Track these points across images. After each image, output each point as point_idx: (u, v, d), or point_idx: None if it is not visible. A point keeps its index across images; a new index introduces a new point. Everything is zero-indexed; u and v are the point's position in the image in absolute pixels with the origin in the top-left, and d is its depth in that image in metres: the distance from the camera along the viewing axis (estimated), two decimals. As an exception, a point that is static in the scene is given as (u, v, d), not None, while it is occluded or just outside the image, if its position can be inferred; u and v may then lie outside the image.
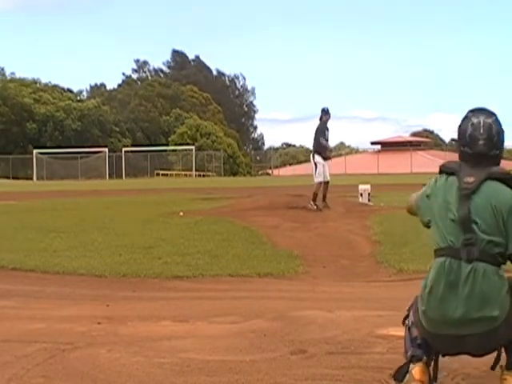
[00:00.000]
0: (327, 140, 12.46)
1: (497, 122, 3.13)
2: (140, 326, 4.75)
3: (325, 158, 12.54)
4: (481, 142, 3.07)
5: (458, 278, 2.95)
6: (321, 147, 12.53)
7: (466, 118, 3.15)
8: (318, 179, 12.47)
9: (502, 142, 3.14)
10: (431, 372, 3.07)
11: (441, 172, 3.20)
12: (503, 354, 3.04)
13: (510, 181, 3.05)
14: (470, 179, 3.04)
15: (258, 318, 4.73)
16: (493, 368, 3.07)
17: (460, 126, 3.17)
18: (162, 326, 4.73)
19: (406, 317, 3.24)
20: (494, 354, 3.04)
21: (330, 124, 12.64)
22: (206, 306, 5.43)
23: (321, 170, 12.51)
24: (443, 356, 3.12)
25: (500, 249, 2.98)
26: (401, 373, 3.09)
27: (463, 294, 2.93)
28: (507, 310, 2.93)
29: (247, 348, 4.00)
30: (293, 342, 4.06)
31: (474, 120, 3.11)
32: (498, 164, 3.15)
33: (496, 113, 3.18)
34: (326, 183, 12.46)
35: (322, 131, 12.40)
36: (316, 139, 12.50)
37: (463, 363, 3.37)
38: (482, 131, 3.07)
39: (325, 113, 12.46)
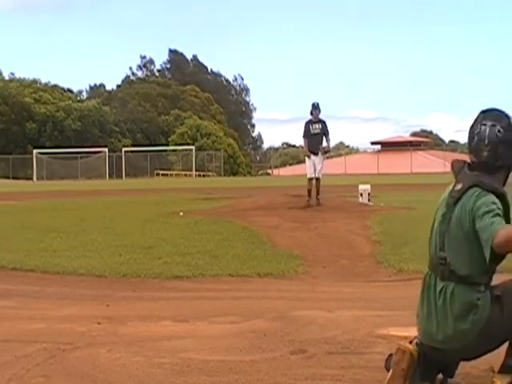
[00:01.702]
0: (316, 134, 12.57)
1: (507, 129, 2.88)
2: (140, 325, 4.75)
3: (313, 153, 12.65)
4: (485, 154, 2.88)
5: (434, 294, 2.97)
6: (304, 143, 12.83)
7: (475, 121, 2.96)
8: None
9: (510, 150, 2.88)
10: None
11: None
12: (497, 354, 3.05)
13: (495, 192, 2.85)
14: (459, 186, 2.92)
15: (258, 318, 4.73)
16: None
17: (470, 129, 2.98)
18: (162, 325, 4.73)
19: None
20: (492, 354, 3.06)
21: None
22: (206, 306, 5.43)
23: (307, 166, 12.69)
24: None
25: (469, 270, 2.87)
26: (390, 361, 3.13)
27: (437, 310, 2.95)
28: (483, 323, 2.88)
29: (247, 348, 4.00)
30: (293, 342, 4.06)
31: (481, 127, 2.90)
32: (507, 175, 2.95)
33: (510, 116, 2.94)
34: (317, 179, 12.56)
35: (305, 126, 12.70)
36: None
37: (463, 363, 3.37)
38: (486, 142, 2.87)
39: (314, 108, 12.61)
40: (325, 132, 12.62)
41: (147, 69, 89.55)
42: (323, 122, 12.62)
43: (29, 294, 6.19)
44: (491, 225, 2.72)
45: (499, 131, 2.86)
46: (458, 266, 2.88)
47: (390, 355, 3.16)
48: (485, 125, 2.90)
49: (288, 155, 76.91)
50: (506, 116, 2.93)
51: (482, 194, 2.83)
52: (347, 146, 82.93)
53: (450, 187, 3.02)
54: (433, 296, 2.97)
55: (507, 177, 2.99)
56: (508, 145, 2.87)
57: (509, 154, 2.88)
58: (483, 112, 2.96)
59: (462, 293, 2.89)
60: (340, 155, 60.38)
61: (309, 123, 12.65)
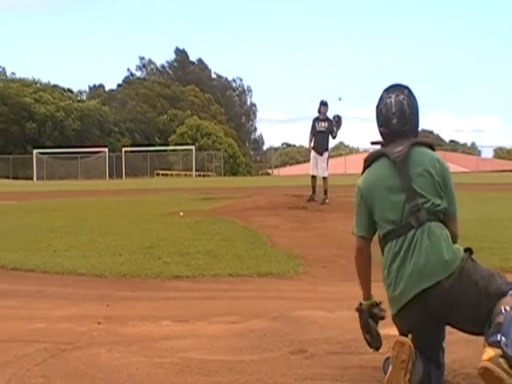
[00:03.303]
0: (322, 132, 12.56)
1: (409, 96, 3.22)
2: (140, 325, 4.75)
3: (316, 152, 12.74)
4: (394, 121, 3.19)
5: (409, 247, 3.07)
6: (309, 140, 12.92)
7: (380, 99, 3.28)
8: None
9: (415, 114, 3.24)
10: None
11: (368, 164, 3.26)
12: None
13: (432, 145, 3.22)
14: (399, 148, 3.14)
15: (258, 318, 4.73)
16: None
17: (376, 107, 3.30)
18: (162, 326, 4.73)
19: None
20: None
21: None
22: (206, 306, 5.43)
23: (310, 163, 12.87)
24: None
25: (440, 207, 3.10)
26: (387, 364, 3.13)
27: (416, 254, 3.04)
28: (460, 260, 3.02)
29: (247, 348, 4.00)
30: (293, 342, 4.06)
31: (387, 100, 3.22)
32: (416, 137, 3.25)
33: (408, 86, 3.26)
34: (323, 179, 12.62)
35: (312, 122, 12.71)
36: None
37: (463, 363, 3.37)
38: (394, 110, 3.19)
39: (322, 104, 12.67)
40: (331, 130, 12.59)
41: (146, 69, 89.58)
42: (330, 121, 12.56)
43: (29, 293, 6.19)
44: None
45: (403, 99, 3.22)
46: (432, 202, 3.08)
47: (387, 359, 3.15)
48: (390, 97, 3.23)
49: (288, 155, 76.95)
50: (406, 87, 3.27)
51: (430, 152, 3.20)
52: (347, 146, 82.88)
53: (382, 162, 3.18)
54: (409, 248, 3.06)
55: None
56: (412, 109, 3.22)
57: (413, 117, 3.23)
58: (385, 90, 3.30)
59: (439, 227, 3.07)
60: (340, 155, 60.27)
61: (315, 120, 12.64)
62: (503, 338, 2.90)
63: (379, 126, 3.28)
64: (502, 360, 2.82)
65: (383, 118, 3.23)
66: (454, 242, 3.13)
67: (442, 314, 3.05)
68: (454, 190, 3.20)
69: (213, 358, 3.81)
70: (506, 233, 8.99)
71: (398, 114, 3.18)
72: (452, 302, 3.01)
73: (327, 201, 12.49)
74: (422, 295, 3.03)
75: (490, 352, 2.90)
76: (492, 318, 2.96)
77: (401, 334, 3.18)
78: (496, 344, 2.91)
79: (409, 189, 3.09)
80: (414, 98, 3.25)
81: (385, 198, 3.14)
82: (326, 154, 12.65)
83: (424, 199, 3.08)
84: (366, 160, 3.29)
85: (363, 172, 3.30)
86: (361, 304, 3.43)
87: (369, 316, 3.38)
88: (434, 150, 3.24)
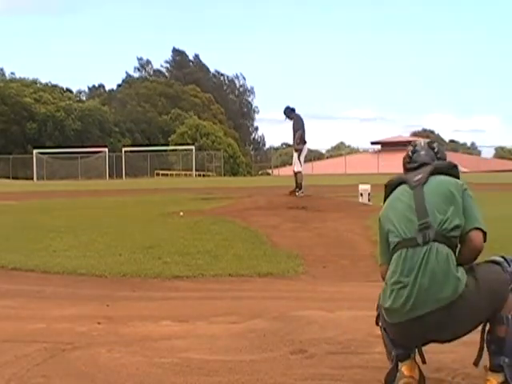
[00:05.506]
0: None
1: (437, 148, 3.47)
2: (140, 325, 4.75)
3: None
4: (422, 153, 3.41)
5: (414, 263, 3.02)
6: None
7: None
8: None
9: (442, 153, 3.44)
10: (420, 366, 3.14)
11: (388, 193, 3.39)
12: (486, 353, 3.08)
13: (454, 171, 3.28)
14: (418, 176, 3.25)
15: (258, 318, 4.73)
16: (475, 364, 3.13)
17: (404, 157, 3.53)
18: (162, 325, 4.73)
19: (378, 316, 3.32)
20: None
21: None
22: (206, 306, 5.43)
23: None
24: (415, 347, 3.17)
25: (455, 232, 3.06)
26: (391, 376, 3.11)
27: (417, 275, 2.99)
28: (462, 288, 2.96)
29: (247, 348, 4.00)
30: (293, 342, 4.06)
31: (415, 143, 3.56)
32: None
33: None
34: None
35: None
36: None
37: (464, 363, 3.37)
38: (422, 144, 3.48)
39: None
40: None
41: (145, 70, 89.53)
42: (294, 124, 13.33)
43: (29, 293, 6.19)
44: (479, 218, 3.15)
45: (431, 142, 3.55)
46: (442, 220, 3.07)
47: (389, 372, 3.14)
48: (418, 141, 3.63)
49: (288, 155, 76.84)
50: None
51: (448, 179, 3.23)
52: (347, 146, 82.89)
53: (402, 188, 3.30)
54: (413, 264, 3.02)
55: None
56: (442, 153, 3.49)
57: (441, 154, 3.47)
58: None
59: (446, 250, 3.02)
60: (340, 155, 60.29)
61: None
62: (506, 360, 2.95)
63: (408, 163, 3.46)
64: None
65: (411, 153, 3.47)
66: (473, 259, 3.09)
67: (433, 334, 3.04)
68: (472, 207, 3.15)
69: (213, 358, 3.81)
70: (506, 232, 8.99)
71: (426, 147, 3.45)
72: (447, 327, 3.00)
73: (297, 194, 13.08)
74: (417, 318, 2.99)
75: (493, 381, 2.97)
76: (493, 325, 2.99)
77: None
78: (499, 368, 2.96)
79: (421, 208, 3.12)
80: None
81: (400, 214, 3.19)
82: (295, 152, 13.26)
83: (434, 218, 3.07)
84: (386, 186, 3.41)
85: (385, 200, 3.41)
86: None
87: None
88: (454, 174, 3.28)
